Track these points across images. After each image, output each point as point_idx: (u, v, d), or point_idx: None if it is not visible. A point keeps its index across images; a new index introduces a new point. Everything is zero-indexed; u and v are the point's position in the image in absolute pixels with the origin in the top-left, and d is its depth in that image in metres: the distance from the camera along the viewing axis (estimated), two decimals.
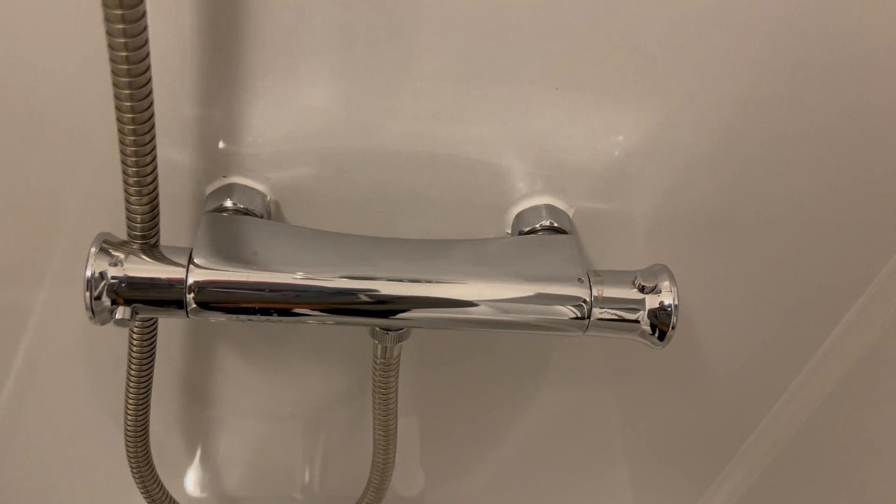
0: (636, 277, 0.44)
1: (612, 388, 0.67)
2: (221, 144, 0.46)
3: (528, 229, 0.49)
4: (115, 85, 0.35)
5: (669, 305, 0.44)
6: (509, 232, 0.51)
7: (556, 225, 0.49)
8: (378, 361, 0.51)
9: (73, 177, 0.48)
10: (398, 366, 0.52)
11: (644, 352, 0.63)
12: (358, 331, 0.59)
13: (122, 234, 0.42)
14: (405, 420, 0.70)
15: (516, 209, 0.50)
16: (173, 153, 0.46)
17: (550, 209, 0.50)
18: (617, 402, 0.69)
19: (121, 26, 0.32)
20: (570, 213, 0.51)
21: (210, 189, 0.48)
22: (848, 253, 0.56)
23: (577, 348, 0.63)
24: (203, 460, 0.73)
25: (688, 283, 0.56)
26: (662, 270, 0.45)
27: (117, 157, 0.38)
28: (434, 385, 0.67)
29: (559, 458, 0.75)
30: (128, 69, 0.34)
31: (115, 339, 0.59)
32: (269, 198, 0.48)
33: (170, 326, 0.59)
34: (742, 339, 0.62)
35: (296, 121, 0.45)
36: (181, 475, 0.74)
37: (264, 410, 0.68)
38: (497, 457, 0.74)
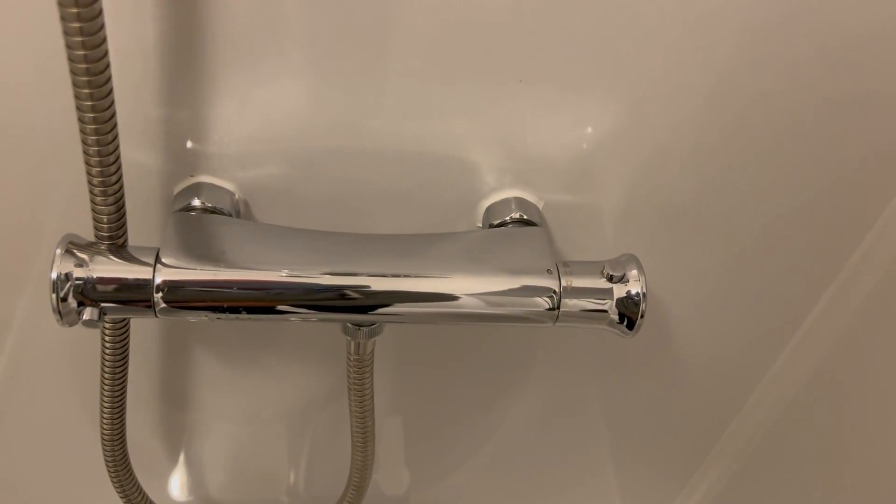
0: (604, 267, 0.45)
1: (593, 383, 0.67)
2: (189, 144, 0.46)
3: (498, 222, 0.49)
4: (75, 84, 0.35)
5: (637, 294, 0.44)
6: (480, 225, 0.51)
7: (525, 217, 0.49)
8: (352, 358, 0.51)
9: (49, 182, 0.48)
10: (372, 362, 0.52)
11: (622, 347, 0.63)
12: (334, 329, 0.59)
13: None
14: (389, 419, 0.70)
15: (486, 203, 0.51)
16: (140, 154, 0.46)
17: (520, 202, 0.50)
18: (597, 397, 0.69)
19: (77, 24, 0.32)
20: (540, 205, 0.51)
21: (178, 189, 0.48)
22: (817, 241, 0.56)
23: (557, 344, 0.63)
24: (184, 463, 0.73)
25: (658, 274, 0.56)
26: (630, 260, 0.45)
27: None
28: (417, 383, 0.67)
29: (542, 454, 0.75)
30: (86, 68, 0.34)
31: (95, 342, 0.58)
32: (237, 196, 0.48)
33: (146, 328, 0.58)
34: (715, 329, 0.62)
35: (262, 119, 0.45)
36: (162, 478, 0.73)
37: (244, 412, 0.68)
38: (480, 454, 0.75)
